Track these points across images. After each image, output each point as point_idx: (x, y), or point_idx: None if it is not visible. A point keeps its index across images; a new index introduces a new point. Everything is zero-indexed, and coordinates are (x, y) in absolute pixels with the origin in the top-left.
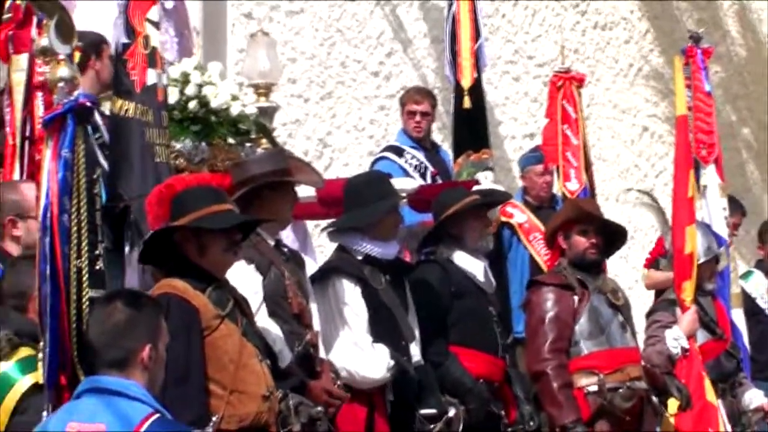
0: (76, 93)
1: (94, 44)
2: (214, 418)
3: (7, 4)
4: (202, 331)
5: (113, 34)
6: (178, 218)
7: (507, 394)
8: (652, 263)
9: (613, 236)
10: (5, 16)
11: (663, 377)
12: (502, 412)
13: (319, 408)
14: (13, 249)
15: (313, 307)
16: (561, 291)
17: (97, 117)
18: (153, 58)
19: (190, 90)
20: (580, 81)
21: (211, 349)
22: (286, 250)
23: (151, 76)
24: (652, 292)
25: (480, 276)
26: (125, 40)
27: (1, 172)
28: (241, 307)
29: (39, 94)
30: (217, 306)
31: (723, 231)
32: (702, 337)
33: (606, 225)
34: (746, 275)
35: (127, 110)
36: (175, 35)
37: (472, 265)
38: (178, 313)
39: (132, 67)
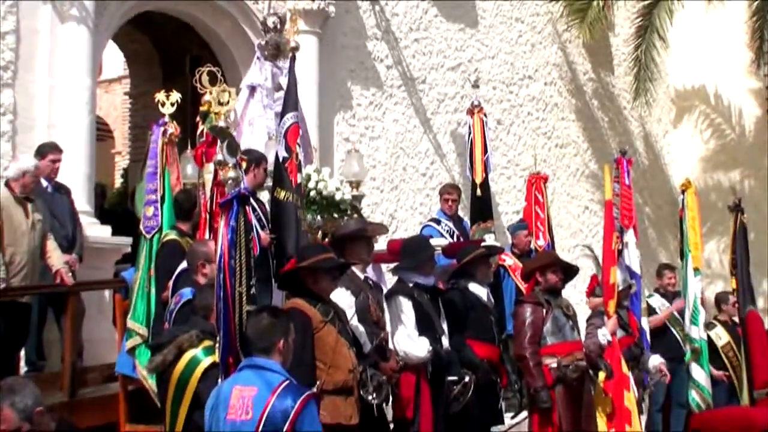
0: (239, 187)
1: (256, 158)
2: (318, 383)
3: (200, 131)
4: (313, 331)
5: (270, 152)
6: (301, 262)
7: (501, 368)
8: (591, 293)
9: (568, 272)
10: (201, 140)
11: (596, 358)
12: (498, 380)
13: (384, 377)
14: (202, 281)
15: (387, 317)
16: (535, 306)
17: (253, 202)
18: (300, 167)
19: (311, 184)
20: (546, 179)
21: (318, 341)
22: (370, 281)
23: (299, 178)
24: (588, 306)
25: (485, 297)
26: (285, 155)
27: (197, 233)
28: (339, 315)
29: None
30: (323, 315)
31: (638, 269)
32: (620, 334)
33: (567, 266)
34: (649, 296)
35: (288, 198)
36: (302, 151)
37: (480, 291)
38: (299, 320)
39: (290, 171)
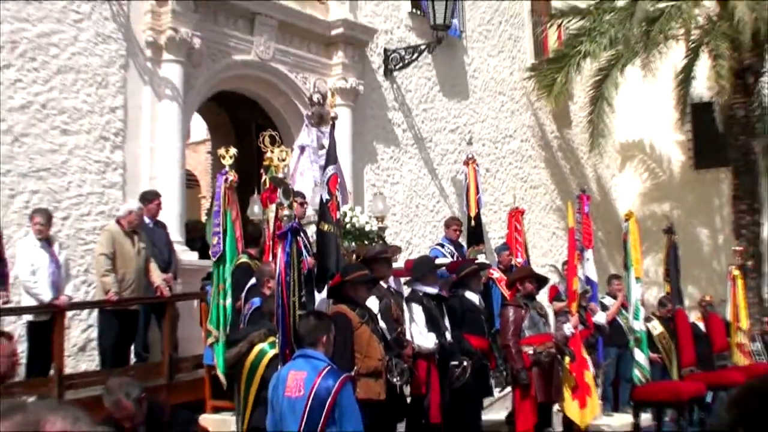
0: (292, 222)
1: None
2: (356, 368)
3: (263, 180)
4: (353, 329)
5: (312, 196)
6: (345, 277)
7: (491, 355)
8: (552, 299)
9: (541, 282)
10: (264, 187)
11: (563, 346)
12: (489, 363)
13: (406, 366)
14: (267, 292)
15: (406, 316)
16: (516, 308)
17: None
18: (339, 206)
19: (347, 219)
20: (522, 212)
21: (356, 337)
22: (392, 289)
23: (338, 215)
24: (553, 308)
25: (477, 302)
26: (327, 197)
27: (263, 257)
28: (372, 318)
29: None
30: (360, 318)
31: (595, 279)
32: (580, 327)
33: (540, 278)
34: (602, 298)
35: (330, 230)
36: (341, 194)
37: (474, 297)
38: (342, 321)
39: (331, 210)
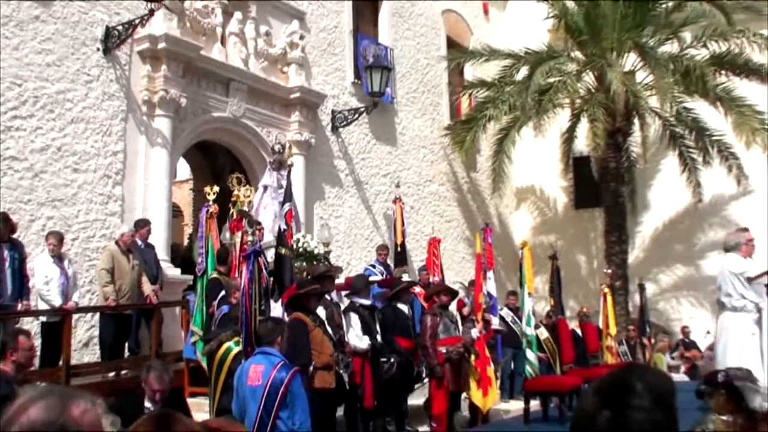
0: (254, 246)
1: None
2: (313, 363)
3: (231, 213)
4: (308, 331)
5: (272, 226)
6: (300, 290)
7: (416, 353)
8: (460, 309)
9: (453, 296)
10: (232, 218)
11: (470, 347)
12: (414, 360)
13: (350, 359)
14: (234, 301)
15: (344, 323)
16: (433, 316)
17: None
18: (293, 235)
19: (299, 244)
20: (439, 241)
21: (312, 338)
22: (334, 301)
23: (293, 240)
24: (459, 314)
25: (406, 311)
26: (284, 227)
27: (231, 273)
28: (322, 322)
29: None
30: (313, 322)
31: (495, 294)
32: (484, 331)
33: (451, 292)
34: (501, 309)
35: (286, 254)
36: (295, 225)
37: (404, 308)
38: (299, 326)
39: (287, 237)
